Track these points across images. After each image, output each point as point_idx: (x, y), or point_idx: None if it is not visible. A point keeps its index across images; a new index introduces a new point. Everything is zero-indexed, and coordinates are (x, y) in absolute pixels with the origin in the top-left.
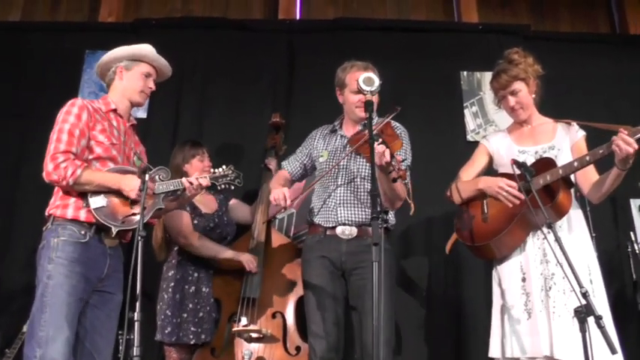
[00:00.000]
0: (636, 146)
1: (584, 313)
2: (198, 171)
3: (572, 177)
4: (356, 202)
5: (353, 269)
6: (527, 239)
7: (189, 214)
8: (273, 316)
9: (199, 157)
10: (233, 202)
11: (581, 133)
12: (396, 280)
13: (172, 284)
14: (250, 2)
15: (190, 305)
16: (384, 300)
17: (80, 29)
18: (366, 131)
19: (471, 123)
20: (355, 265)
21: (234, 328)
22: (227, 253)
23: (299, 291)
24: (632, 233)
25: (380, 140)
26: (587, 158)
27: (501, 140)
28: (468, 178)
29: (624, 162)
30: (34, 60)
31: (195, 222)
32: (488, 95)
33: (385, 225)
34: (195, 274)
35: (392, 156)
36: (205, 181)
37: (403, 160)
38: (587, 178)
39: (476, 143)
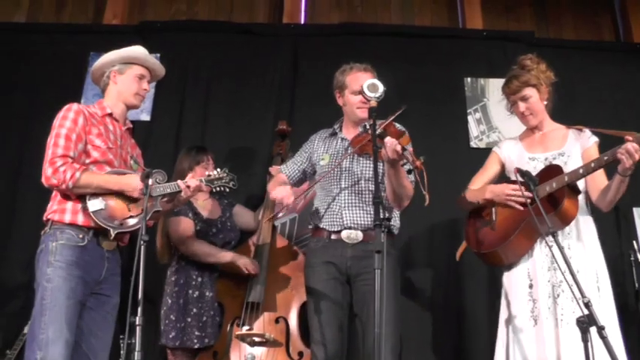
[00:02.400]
0: (637, 157)
1: (586, 323)
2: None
3: (582, 184)
4: (361, 204)
5: (358, 275)
6: (535, 246)
7: (192, 219)
8: (277, 320)
9: (204, 164)
10: (237, 208)
11: (594, 140)
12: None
13: (176, 289)
14: (255, 6)
15: (194, 310)
16: (389, 307)
17: (85, 31)
18: (368, 133)
19: (474, 129)
20: (360, 271)
21: (237, 332)
22: (226, 257)
23: (303, 296)
24: (634, 242)
25: (387, 136)
26: (592, 165)
27: (513, 147)
28: (479, 185)
29: (627, 169)
30: (39, 61)
31: (198, 228)
32: (492, 102)
33: (389, 229)
34: (199, 279)
35: (403, 148)
36: (200, 184)
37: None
38: (596, 185)
39: (479, 150)
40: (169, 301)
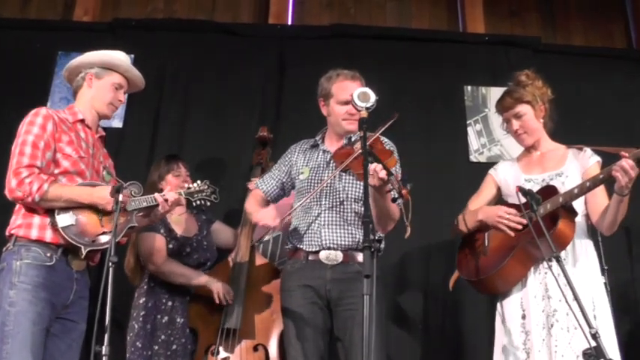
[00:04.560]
0: (634, 174)
1: (593, 355)
2: (175, 187)
3: (582, 205)
4: (342, 223)
5: (339, 299)
6: (529, 274)
7: (164, 237)
8: (255, 348)
9: (174, 172)
10: (216, 224)
11: (595, 159)
12: (390, 312)
13: (143, 312)
14: (239, 5)
15: (163, 336)
16: (375, 334)
17: (53, 28)
18: (353, 146)
19: (474, 142)
20: (341, 295)
21: None
22: (200, 279)
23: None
24: None
25: (372, 158)
26: (588, 184)
27: (509, 169)
28: (475, 208)
29: (623, 187)
30: (1, 61)
31: (170, 246)
32: (493, 112)
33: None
34: (169, 303)
35: (389, 173)
36: (180, 198)
37: (402, 179)
38: (597, 206)
39: (479, 164)
40: (136, 327)
